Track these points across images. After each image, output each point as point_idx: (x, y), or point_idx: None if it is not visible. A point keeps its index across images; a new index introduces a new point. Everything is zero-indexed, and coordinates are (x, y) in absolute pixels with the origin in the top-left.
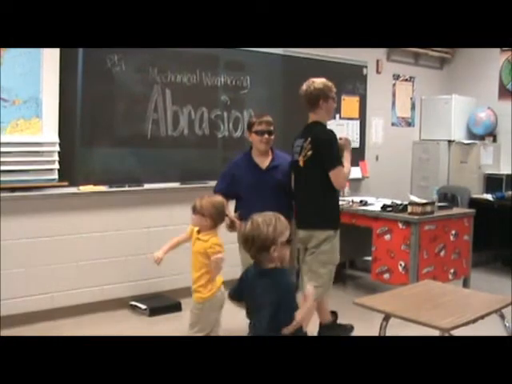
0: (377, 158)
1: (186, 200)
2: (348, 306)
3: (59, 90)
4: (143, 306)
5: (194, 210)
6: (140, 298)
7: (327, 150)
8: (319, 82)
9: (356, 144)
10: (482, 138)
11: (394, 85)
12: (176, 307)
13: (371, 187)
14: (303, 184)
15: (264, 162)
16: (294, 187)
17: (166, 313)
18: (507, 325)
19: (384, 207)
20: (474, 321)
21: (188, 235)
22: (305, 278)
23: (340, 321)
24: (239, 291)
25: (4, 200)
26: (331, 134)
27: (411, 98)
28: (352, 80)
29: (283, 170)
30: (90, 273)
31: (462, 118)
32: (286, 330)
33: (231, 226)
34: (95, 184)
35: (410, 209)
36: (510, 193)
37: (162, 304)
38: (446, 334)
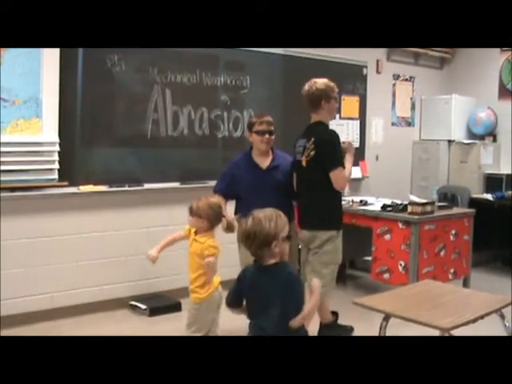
0: (377, 158)
1: (186, 200)
2: (348, 305)
3: (59, 90)
4: (143, 306)
5: (191, 212)
6: (140, 298)
7: (329, 150)
8: (321, 82)
9: (356, 144)
10: (482, 137)
11: (394, 85)
12: (176, 307)
13: (371, 187)
14: (306, 184)
15: (264, 162)
16: (296, 187)
17: (166, 313)
18: (507, 325)
19: (384, 207)
20: (474, 321)
21: (185, 234)
22: (308, 277)
23: (340, 321)
24: (237, 296)
25: (4, 200)
26: (334, 134)
27: (411, 98)
28: (352, 80)
29: (284, 170)
30: (90, 273)
31: (462, 118)
32: (293, 322)
33: (228, 228)
34: (95, 184)
35: (409, 209)
36: (510, 193)
37: (162, 304)
38: (446, 334)
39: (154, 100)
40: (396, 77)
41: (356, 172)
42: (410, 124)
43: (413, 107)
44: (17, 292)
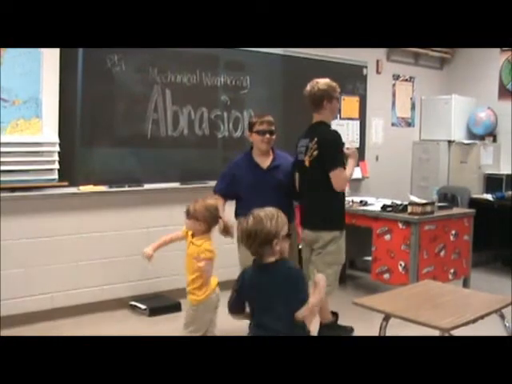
0: (377, 158)
1: (186, 200)
2: (348, 306)
3: (59, 90)
4: (143, 306)
5: (188, 214)
6: (140, 298)
7: (330, 150)
8: (323, 82)
9: (356, 144)
10: (481, 138)
11: (394, 85)
12: (176, 307)
13: (371, 187)
14: (309, 184)
15: (265, 162)
16: (299, 187)
17: (166, 313)
18: (507, 325)
19: (384, 207)
20: (474, 321)
21: (182, 235)
22: (312, 276)
23: (340, 321)
24: (238, 301)
25: (4, 200)
26: (336, 134)
27: (411, 98)
28: (352, 80)
29: (284, 170)
30: (90, 273)
31: (462, 118)
32: (299, 314)
33: (224, 230)
34: (95, 184)
35: (409, 209)
36: (510, 193)
37: (162, 304)
38: (446, 334)
39: (153, 100)
40: (396, 77)
41: (356, 172)
42: (409, 124)
43: (413, 107)
44: (17, 292)
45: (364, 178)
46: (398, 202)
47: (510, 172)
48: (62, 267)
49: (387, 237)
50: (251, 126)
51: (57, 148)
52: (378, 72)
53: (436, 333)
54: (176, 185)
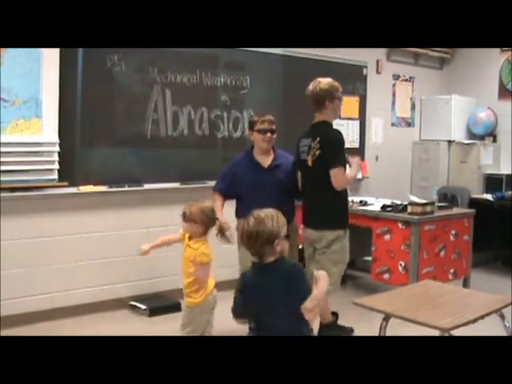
0: (377, 158)
1: (186, 200)
2: (348, 306)
3: (59, 90)
4: (143, 306)
5: (184, 217)
6: (140, 298)
7: (333, 149)
8: (325, 82)
9: (356, 144)
10: (481, 138)
11: (394, 85)
12: (175, 307)
13: (371, 187)
14: (312, 183)
15: (266, 161)
16: (301, 186)
17: (166, 313)
18: (507, 325)
19: (384, 207)
20: (474, 321)
21: (180, 237)
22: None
23: (340, 321)
24: (242, 306)
25: (4, 200)
26: (339, 134)
27: (411, 98)
28: (352, 80)
29: (285, 169)
30: (90, 273)
31: (462, 118)
32: (305, 307)
33: (220, 231)
34: (95, 184)
35: (409, 209)
36: (510, 193)
37: (162, 304)
38: (446, 334)
39: (153, 100)
40: (396, 77)
41: None
42: (409, 124)
43: (413, 107)
44: (17, 292)
45: (364, 177)
46: (398, 202)
47: (510, 172)
48: (62, 267)
49: (387, 237)
50: (252, 124)
51: (57, 148)
52: (377, 72)
53: (436, 333)
54: (176, 185)
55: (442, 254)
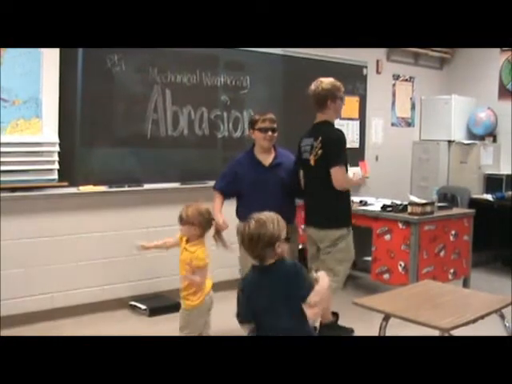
0: (376, 159)
1: (186, 200)
2: (348, 306)
3: (59, 90)
4: (143, 306)
5: (181, 220)
6: (140, 298)
7: (335, 149)
8: (327, 82)
9: (356, 144)
10: (481, 138)
11: (394, 85)
12: (175, 307)
13: (371, 187)
14: (314, 182)
15: (267, 160)
16: (304, 186)
17: (166, 313)
18: (507, 325)
19: (384, 207)
20: (474, 321)
21: (177, 241)
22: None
23: (340, 321)
24: (247, 310)
25: (4, 200)
26: (341, 133)
27: (411, 98)
28: (352, 80)
29: (287, 168)
30: (90, 273)
31: (462, 118)
32: (310, 301)
33: (218, 233)
34: (95, 184)
35: (409, 209)
36: (509, 193)
37: (162, 304)
38: (446, 334)
39: (153, 100)
40: (396, 77)
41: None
42: (409, 124)
43: (413, 107)
44: (17, 292)
45: (364, 177)
46: (398, 202)
47: (509, 172)
48: (62, 267)
49: (387, 237)
50: (253, 123)
51: (57, 148)
52: (377, 72)
53: (436, 333)
54: (176, 185)
55: (442, 254)
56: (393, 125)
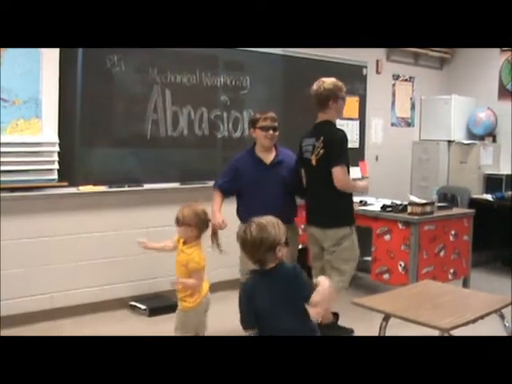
0: (376, 159)
1: (186, 200)
2: (348, 306)
3: (59, 91)
4: (143, 307)
5: (178, 222)
6: (140, 299)
7: (336, 149)
8: (329, 82)
9: (356, 144)
10: (481, 138)
11: (394, 85)
12: (175, 308)
13: (371, 187)
14: (316, 182)
15: (268, 158)
16: (306, 185)
17: (166, 313)
18: (507, 325)
19: (384, 207)
20: (474, 321)
21: (174, 245)
22: (327, 272)
23: (340, 321)
24: (248, 314)
25: (4, 200)
26: (343, 133)
27: (411, 98)
28: (352, 80)
29: (288, 166)
30: (90, 273)
31: (462, 119)
32: (313, 301)
33: (214, 234)
34: (95, 184)
35: (409, 209)
36: (509, 193)
37: (162, 304)
38: (446, 334)
39: (153, 100)
40: (396, 77)
41: (355, 172)
42: (409, 124)
43: (412, 107)
44: (17, 292)
45: (363, 177)
46: (398, 202)
47: (509, 172)
48: (62, 267)
49: (387, 237)
50: (254, 122)
51: (56, 148)
52: (377, 72)
53: (436, 333)
54: (176, 185)
55: (442, 254)
56: (393, 125)
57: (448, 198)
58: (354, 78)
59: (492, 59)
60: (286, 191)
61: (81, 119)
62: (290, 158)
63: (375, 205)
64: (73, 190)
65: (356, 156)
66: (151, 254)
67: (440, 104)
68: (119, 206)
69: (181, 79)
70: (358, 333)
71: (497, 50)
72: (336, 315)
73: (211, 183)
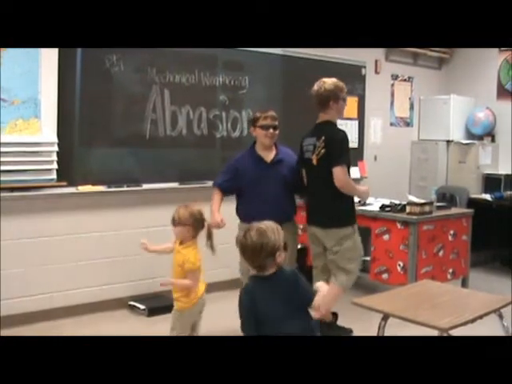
0: (375, 158)
1: (185, 200)
2: (347, 305)
3: (58, 90)
4: (142, 306)
5: (174, 222)
6: (139, 298)
7: (337, 148)
8: (330, 82)
9: (355, 144)
10: (480, 138)
11: (393, 85)
12: None
13: (370, 187)
14: (317, 182)
15: (269, 156)
16: (306, 185)
17: (165, 313)
18: (505, 324)
19: (382, 207)
20: (473, 321)
21: (173, 247)
22: (333, 272)
23: (339, 321)
24: (249, 322)
25: (3, 200)
26: (344, 133)
27: (410, 98)
28: (350, 80)
29: (288, 165)
30: (89, 273)
31: (461, 118)
32: (315, 305)
33: (209, 235)
34: (94, 184)
35: (408, 209)
36: (508, 193)
37: (161, 304)
38: (445, 334)
39: (152, 100)
40: (394, 77)
41: (354, 172)
42: (408, 124)
43: (411, 107)
44: (16, 292)
45: (362, 177)
46: (397, 202)
47: (508, 172)
48: (61, 267)
49: (386, 237)
50: (255, 120)
51: (55, 148)
52: (376, 72)
53: (434, 333)
54: (175, 185)
55: (441, 253)
56: (391, 125)
57: (447, 197)
58: (353, 78)
59: (491, 59)
60: (286, 189)
61: (80, 119)
62: (290, 157)
63: (374, 205)
64: (72, 189)
65: (355, 156)
66: (150, 254)
67: (439, 104)
68: (118, 205)
69: (180, 79)
70: (356, 333)
71: (495, 50)
72: (335, 315)
73: (210, 183)
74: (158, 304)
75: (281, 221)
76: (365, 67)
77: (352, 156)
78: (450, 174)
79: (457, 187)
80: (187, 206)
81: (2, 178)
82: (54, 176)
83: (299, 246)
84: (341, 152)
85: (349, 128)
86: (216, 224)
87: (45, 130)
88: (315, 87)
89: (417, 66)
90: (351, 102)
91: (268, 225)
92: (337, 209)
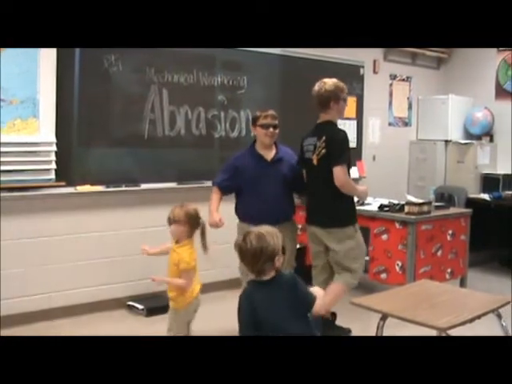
0: (374, 158)
1: (183, 200)
2: (345, 305)
3: (56, 90)
4: (140, 306)
5: (170, 221)
6: (137, 298)
7: (338, 148)
8: (331, 83)
9: (353, 144)
10: (478, 137)
11: (391, 85)
12: None
13: (368, 187)
14: (317, 182)
15: (269, 155)
16: (307, 185)
17: (163, 313)
18: (504, 324)
19: (381, 207)
20: (471, 320)
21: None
22: (337, 271)
23: (338, 321)
24: (247, 326)
25: (2, 200)
26: (344, 133)
27: (408, 98)
28: (349, 80)
29: (288, 163)
30: (88, 273)
31: (459, 118)
32: (315, 310)
33: (202, 234)
34: (92, 184)
35: (406, 209)
36: (506, 193)
37: (159, 304)
38: (443, 334)
39: (150, 100)
40: (393, 77)
41: (353, 172)
42: (406, 124)
43: (410, 107)
44: (15, 292)
45: (361, 177)
46: (395, 202)
47: (506, 172)
48: (60, 267)
49: (384, 237)
50: (255, 120)
51: (54, 148)
52: (374, 72)
53: (433, 332)
54: (173, 185)
55: (439, 253)
56: (390, 124)
57: (445, 197)
58: (352, 78)
59: (489, 59)
60: (285, 189)
61: (78, 119)
62: (289, 156)
63: (372, 204)
64: (70, 189)
65: (353, 156)
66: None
67: (437, 104)
68: (117, 205)
69: (178, 79)
70: (355, 333)
71: (494, 50)
72: (334, 315)
73: (208, 183)
74: (156, 304)
75: (280, 220)
76: (363, 67)
77: (350, 156)
78: (448, 174)
79: (455, 187)
80: (182, 206)
81: (1, 178)
82: (52, 176)
83: (298, 246)
84: (341, 152)
85: (347, 128)
86: (214, 223)
87: (43, 130)
88: (316, 87)
89: (415, 66)
90: (349, 102)
91: (267, 229)
92: (337, 209)
